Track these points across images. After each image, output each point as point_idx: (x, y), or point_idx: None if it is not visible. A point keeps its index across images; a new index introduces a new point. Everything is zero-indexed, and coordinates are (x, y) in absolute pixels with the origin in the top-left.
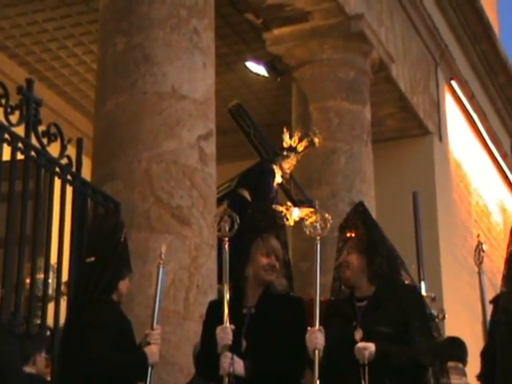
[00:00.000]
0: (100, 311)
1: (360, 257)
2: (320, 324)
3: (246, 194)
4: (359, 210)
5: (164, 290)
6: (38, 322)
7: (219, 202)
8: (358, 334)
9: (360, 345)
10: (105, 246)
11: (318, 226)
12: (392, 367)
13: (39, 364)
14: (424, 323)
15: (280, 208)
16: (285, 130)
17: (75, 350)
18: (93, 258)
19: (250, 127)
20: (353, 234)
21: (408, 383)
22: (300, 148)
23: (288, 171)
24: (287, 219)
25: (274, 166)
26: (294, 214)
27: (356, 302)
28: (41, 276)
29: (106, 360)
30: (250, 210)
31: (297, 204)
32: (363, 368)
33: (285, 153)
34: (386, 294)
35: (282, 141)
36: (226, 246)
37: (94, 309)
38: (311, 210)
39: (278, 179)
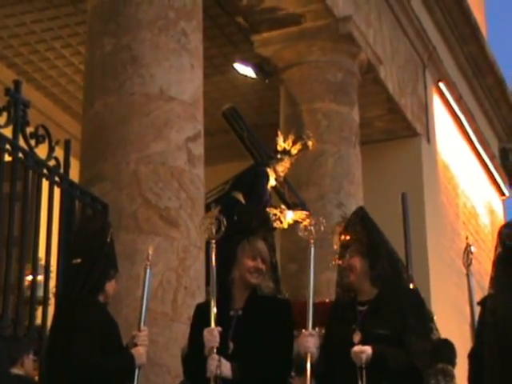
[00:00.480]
0: (86, 313)
1: (362, 260)
2: (324, 327)
3: (240, 197)
4: (359, 214)
5: (151, 292)
6: (26, 323)
7: (213, 205)
8: (357, 337)
9: (356, 348)
10: (91, 247)
11: (312, 229)
12: (389, 370)
13: (27, 366)
14: (422, 324)
15: (274, 211)
16: (279, 133)
17: (61, 351)
18: (79, 260)
19: (244, 130)
20: (353, 238)
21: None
22: (294, 151)
23: (282, 174)
24: (281, 222)
25: (268, 169)
26: (288, 216)
27: (358, 306)
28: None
29: (93, 362)
30: (237, 212)
31: (291, 207)
32: (360, 371)
33: (279, 156)
34: (387, 297)
35: (275, 143)
36: (213, 248)
37: (81, 310)
38: (305, 212)
39: (272, 182)
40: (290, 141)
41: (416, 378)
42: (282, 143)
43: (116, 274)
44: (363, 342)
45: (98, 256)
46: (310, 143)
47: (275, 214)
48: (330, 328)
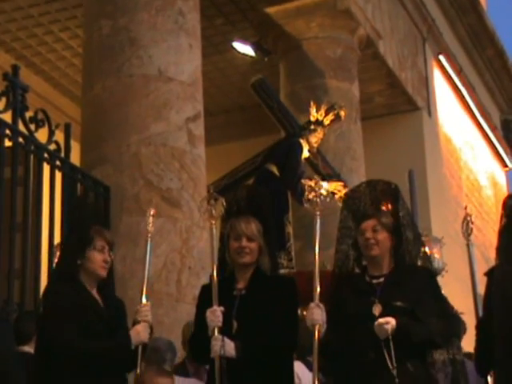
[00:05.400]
0: (50, 302)
1: (389, 235)
2: (329, 295)
3: (274, 169)
4: (392, 188)
5: (152, 263)
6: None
7: (245, 178)
8: (377, 309)
9: (381, 320)
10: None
11: (318, 201)
12: (412, 342)
13: None
14: (438, 304)
15: (309, 182)
16: (312, 103)
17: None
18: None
19: (274, 101)
20: (384, 210)
21: (425, 359)
22: (327, 121)
23: (315, 145)
24: (316, 194)
25: (302, 141)
26: (324, 187)
27: (372, 279)
28: None
29: (74, 347)
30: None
31: (325, 178)
32: (386, 344)
33: (312, 126)
34: (404, 273)
35: (308, 114)
36: (214, 229)
37: (45, 302)
38: (340, 183)
39: (306, 153)
40: (322, 111)
41: (432, 352)
42: (314, 113)
43: (99, 243)
44: (383, 315)
45: (69, 236)
46: (342, 113)
47: (310, 186)
48: (338, 299)
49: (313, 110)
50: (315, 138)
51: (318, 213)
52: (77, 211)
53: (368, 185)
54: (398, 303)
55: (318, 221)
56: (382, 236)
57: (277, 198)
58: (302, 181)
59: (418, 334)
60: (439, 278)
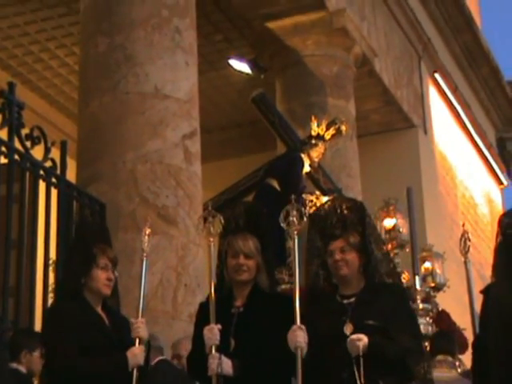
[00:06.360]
0: (50, 322)
1: (357, 254)
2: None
3: (275, 184)
4: (357, 207)
5: (148, 280)
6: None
7: (246, 192)
8: (349, 328)
9: (353, 336)
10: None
11: (295, 220)
12: (384, 359)
13: (29, 362)
14: (410, 322)
15: (310, 197)
16: (313, 118)
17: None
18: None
19: (275, 116)
20: (349, 231)
21: (399, 377)
22: (328, 136)
23: (316, 160)
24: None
25: (303, 155)
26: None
27: (342, 299)
28: None
29: (71, 367)
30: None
31: (326, 193)
32: (357, 360)
33: (313, 141)
34: (374, 292)
35: (309, 129)
36: (212, 246)
37: (46, 321)
38: None
39: (307, 168)
40: (323, 126)
41: (404, 371)
42: (315, 128)
43: (102, 261)
44: (354, 333)
45: (72, 255)
46: (343, 128)
47: (311, 201)
48: (309, 320)
49: (314, 125)
50: (316, 153)
51: (295, 232)
52: (80, 229)
53: (333, 203)
54: (370, 322)
55: (296, 240)
56: (351, 256)
57: (278, 212)
58: (304, 195)
59: (390, 352)
60: (440, 293)
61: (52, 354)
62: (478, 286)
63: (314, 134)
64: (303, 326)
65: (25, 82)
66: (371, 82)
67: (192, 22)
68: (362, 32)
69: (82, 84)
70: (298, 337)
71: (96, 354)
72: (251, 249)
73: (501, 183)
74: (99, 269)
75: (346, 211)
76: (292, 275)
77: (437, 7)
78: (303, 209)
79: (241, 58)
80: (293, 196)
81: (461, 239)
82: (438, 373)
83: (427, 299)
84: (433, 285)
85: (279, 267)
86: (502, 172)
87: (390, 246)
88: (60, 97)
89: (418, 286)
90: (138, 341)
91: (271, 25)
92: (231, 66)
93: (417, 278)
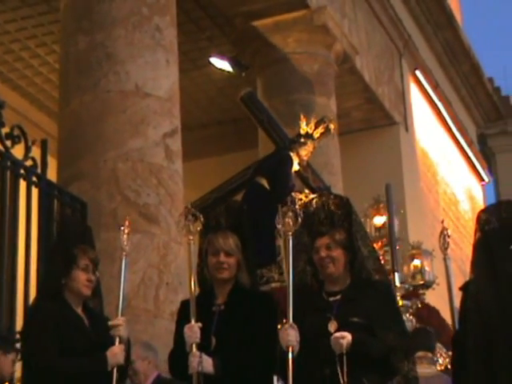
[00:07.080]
0: (31, 320)
1: (344, 252)
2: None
3: (264, 182)
4: (344, 203)
5: (129, 280)
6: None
7: (235, 191)
8: (333, 325)
9: (337, 334)
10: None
11: (290, 221)
12: (369, 357)
13: (1, 364)
14: (395, 320)
15: (299, 196)
16: (301, 116)
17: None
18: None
19: (264, 114)
20: (336, 228)
21: (383, 374)
22: (316, 134)
23: (305, 158)
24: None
25: (292, 154)
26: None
27: (328, 296)
28: None
29: (51, 367)
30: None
31: (315, 191)
32: (340, 358)
33: (302, 140)
34: (360, 289)
35: (298, 127)
36: (191, 244)
37: (28, 319)
38: None
39: (296, 166)
40: (312, 124)
41: (389, 368)
42: (304, 127)
43: (82, 261)
44: (338, 331)
45: (53, 255)
46: (331, 126)
47: (301, 199)
48: (294, 316)
49: (302, 124)
50: (305, 152)
51: (289, 233)
52: (61, 229)
53: (320, 199)
54: (355, 319)
55: (291, 241)
56: (337, 253)
57: (267, 211)
58: (293, 194)
59: (374, 350)
60: (429, 291)
61: (31, 353)
62: (459, 283)
63: (302, 132)
64: (295, 325)
65: (5, 81)
66: (352, 80)
67: (172, 19)
68: (342, 29)
69: (62, 82)
70: (290, 335)
71: (75, 355)
72: (232, 246)
73: (482, 180)
74: (80, 269)
75: (333, 207)
76: (282, 274)
77: (417, 4)
78: (299, 210)
79: (222, 55)
80: (289, 198)
81: (440, 236)
82: (418, 369)
83: (411, 296)
84: (422, 282)
85: (269, 265)
86: (484, 168)
87: (380, 244)
88: (40, 95)
89: (397, 283)
90: (118, 340)
91: (252, 23)
92: (212, 64)
93: (396, 274)
